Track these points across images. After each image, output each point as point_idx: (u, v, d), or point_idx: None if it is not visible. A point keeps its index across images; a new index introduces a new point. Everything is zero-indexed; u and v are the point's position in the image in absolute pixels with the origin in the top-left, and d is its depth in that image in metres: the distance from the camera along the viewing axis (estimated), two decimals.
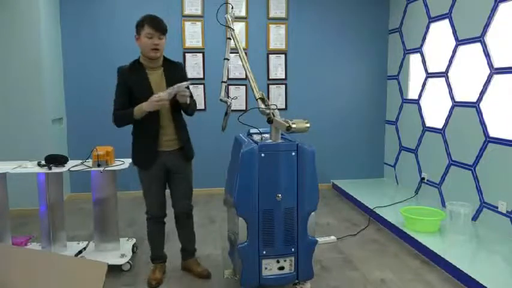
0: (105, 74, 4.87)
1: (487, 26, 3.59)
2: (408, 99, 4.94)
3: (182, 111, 2.78)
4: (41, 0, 4.21)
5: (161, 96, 2.48)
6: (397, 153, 5.20)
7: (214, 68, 4.96)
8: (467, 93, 3.90)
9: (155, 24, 2.54)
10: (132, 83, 2.60)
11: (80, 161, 3.09)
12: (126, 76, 2.61)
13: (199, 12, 4.92)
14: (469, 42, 3.83)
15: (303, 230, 2.47)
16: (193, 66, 5.00)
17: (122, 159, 3.15)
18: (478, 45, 3.71)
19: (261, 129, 2.70)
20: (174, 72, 2.69)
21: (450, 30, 4.10)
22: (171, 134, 2.70)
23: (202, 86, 5.03)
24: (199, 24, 4.94)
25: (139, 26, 2.58)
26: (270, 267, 2.46)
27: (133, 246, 3.27)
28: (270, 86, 5.15)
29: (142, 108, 2.52)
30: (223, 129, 2.74)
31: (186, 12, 4.91)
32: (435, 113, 4.42)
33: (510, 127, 3.40)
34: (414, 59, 4.84)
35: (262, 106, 2.53)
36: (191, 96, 2.71)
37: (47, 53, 4.37)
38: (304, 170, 2.42)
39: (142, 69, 2.62)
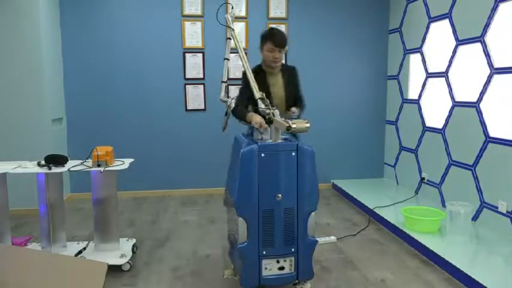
0: (105, 74, 4.89)
1: (487, 26, 3.59)
2: (408, 99, 4.94)
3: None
4: (41, 1, 4.21)
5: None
6: (397, 153, 5.20)
7: (214, 68, 4.96)
8: (467, 93, 3.90)
9: (276, 41, 2.80)
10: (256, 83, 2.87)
11: (80, 161, 3.09)
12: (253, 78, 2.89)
13: (199, 12, 4.92)
14: (469, 42, 3.84)
15: (303, 230, 2.47)
16: (193, 66, 5.00)
17: (121, 159, 3.14)
18: (478, 45, 3.71)
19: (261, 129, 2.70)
20: (290, 76, 3.01)
21: (450, 30, 4.10)
22: None
23: (202, 86, 5.03)
24: (199, 24, 4.94)
25: (263, 39, 2.87)
26: (270, 267, 2.46)
27: (133, 246, 3.27)
28: None
29: (252, 120, 2.66)
30: (223, 130, 2.75)
31: (186, 12, 4.91)
32: (435, 113, 4.42)
33: (510, 127, 3.40)
34: (414, 59, 4.84)
35: (262, 106, 2.53)
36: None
37: (47, 53, 4.37)
38: (304, 170, 2.42)
39: (263, 73, 2.92)
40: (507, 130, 3.43)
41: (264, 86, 2.83)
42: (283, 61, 3.01)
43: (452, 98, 4.10)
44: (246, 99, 2.84)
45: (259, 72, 2.91)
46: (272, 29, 2.92)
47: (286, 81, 2.96)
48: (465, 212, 3.42)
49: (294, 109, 2.80)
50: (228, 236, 2.88)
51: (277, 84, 2.93)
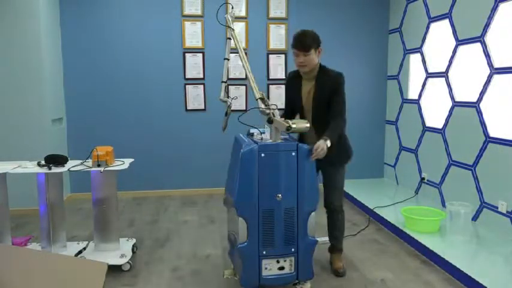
0: (105, 74, 4.88)
1: (487, 26, 3.59)
2: (408, 99, 4.94)
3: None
4: (41, 1, 4.21)
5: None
6: (397, 153, 5.20)
7: (214, 68, 4.96)
8: (467, 93, 3.90)
9: (296, 45, 2.73)
10: (290, 87, 2.97)
11: (80, 161, 3.09)
12: (288, 82, 3.01)
13: (199, 12, 4.92)
14: (469, 42, 3.83)
15: (303, 230, 2.47)
16: (193, 66, 5.00)
17: (121, 159, 3.14)
18: (478, 45, 3.71)
19: (261, 129, 2.70)
20: (326, 82, 2.81)
21: (450, 30, 4.10)
22: (313, 136, 2.74)
23: (202, 86, 5.03)
24: (199, 24, 4.94)
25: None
26: (270, 267, 2.46)
27: (133, 246, 3.27)
28: (270, 86, 5.15)
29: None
30: (223, 130, 2.74)
31: (186, 12, 4.91)
32: (435, 113, 4.42)
33: (510, 127, 3.40)
34: (414, 59, 4.84)
35: (263, 106, 2.53)
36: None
37: (47, 53, 4.36)
38: (304, 170, 2.42)
39: (300, 77, 2.90)
40: (507, 130, 3.43)
41: (296, 90, 2.88)
42: (319, 65, 2.84)
43: (452, 98, 4.10)
44: (287, 106, 2.95)
45: (296, 76, 2.92)
46: (299, 31, 2.75)
47: (317, 88, 2.80)
48: (465, 212, 3.42)
49: (319, 143, 2.45)
50: (228, 236, 2.88)
51: (308, 90, 2.84)
